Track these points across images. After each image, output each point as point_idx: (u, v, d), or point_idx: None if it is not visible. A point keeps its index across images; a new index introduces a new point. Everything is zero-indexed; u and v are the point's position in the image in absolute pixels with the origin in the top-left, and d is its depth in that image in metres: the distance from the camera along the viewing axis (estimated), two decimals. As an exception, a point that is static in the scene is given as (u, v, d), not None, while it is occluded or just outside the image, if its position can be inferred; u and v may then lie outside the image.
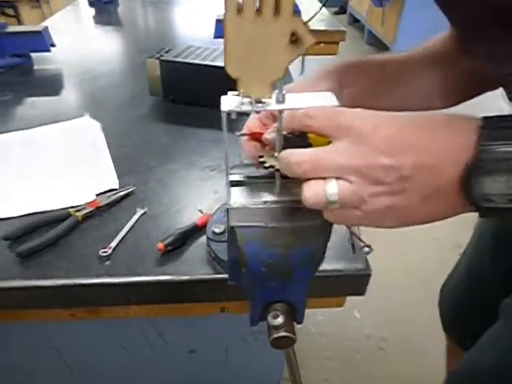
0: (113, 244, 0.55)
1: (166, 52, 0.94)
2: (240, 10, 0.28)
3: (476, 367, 0.59)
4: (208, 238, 0.55)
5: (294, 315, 0.40)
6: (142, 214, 0.61)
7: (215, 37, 1.30)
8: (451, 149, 0.29)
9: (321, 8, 1.32)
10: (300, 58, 1.48)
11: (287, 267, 0.36)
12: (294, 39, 0.30)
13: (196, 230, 0.58)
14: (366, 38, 4.63)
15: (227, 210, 0.37)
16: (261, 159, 0.38)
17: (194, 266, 0.54)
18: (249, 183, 0.40)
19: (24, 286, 0.50)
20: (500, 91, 0.50)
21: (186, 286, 0.52)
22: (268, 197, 0.38)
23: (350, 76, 0.47)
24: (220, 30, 1.28)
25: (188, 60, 0.90)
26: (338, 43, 1.73)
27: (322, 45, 1.67)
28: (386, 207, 0.30)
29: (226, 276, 0.52)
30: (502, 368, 0.55)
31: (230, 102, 0.33)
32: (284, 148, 0.34)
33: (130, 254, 0.55)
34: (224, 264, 0.52)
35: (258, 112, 0.35)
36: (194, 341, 0.71)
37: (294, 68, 1.30)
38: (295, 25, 0.29)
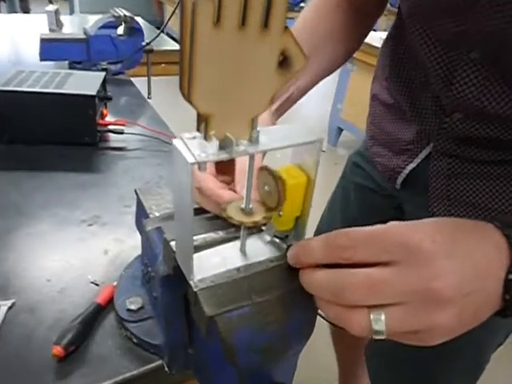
0: (-25, 368, 0.37)
1: (-12, 80, 0.72)
2: (217, 21, 0.20)
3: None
4: (122, 318, 0.42)
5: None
6: (9, 308, 0.43)
7: (42, 59, 1.08)
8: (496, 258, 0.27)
9: (161, 31, 1.26)
10: (146, 80, 1.37)
11: (284, 345, 0.28)
12: (282, 60, 0.22)
13: (99, 311, 0.44)
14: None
15: (195, 293, 0.27)
16: (224, 213, 0.29)
17: (111, 363, 0.40)
18: (204, 245, 0.31)
19: None
20: None
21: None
22: (236, 260, 0.30)
23: None
24: (48, 50, 1.07)
25: (26, 89, 0.70)
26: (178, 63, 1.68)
27: (163, 65, 1.60)
28: (437, 325, 0.25)
29: (162, 362, 0.40)
30: None
31: (193, 149, 0.23)
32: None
33: (11, 377, 0.37)
34: (157, 348, 0.40)
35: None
36: None
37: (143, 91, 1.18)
38: (286, 41, 0.22)
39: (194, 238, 0.31)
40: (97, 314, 0.43)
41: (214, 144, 0.23)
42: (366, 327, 0.24)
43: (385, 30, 2.85)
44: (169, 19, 1.17)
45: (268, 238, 0.32)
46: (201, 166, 0.23)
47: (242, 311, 0.26)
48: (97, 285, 0.48)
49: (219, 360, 0.29)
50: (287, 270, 0.29)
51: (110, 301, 0.45)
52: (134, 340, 0.41)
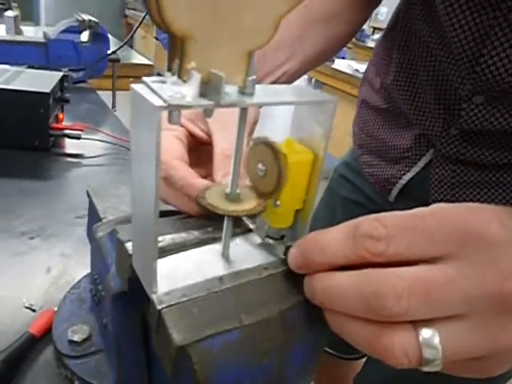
0: None
1: None
2: None
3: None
4: (61, 353, 0.32)
5: None
6: None
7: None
8: None
9: (128, 39, 1.19)
10: (111, 93, 1.29)
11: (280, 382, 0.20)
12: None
13: (32, 345, 0.34)
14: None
15: (158, 312, 0.19)
16: (203, 201, 0.21)
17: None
18: (172, 248, 0.23)
19: None
20: None
21: None
22: (217, 267, 0.22)
23: None
24: (1, 53, 0.97)
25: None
26: (147, 79, 1.62)
27: (130, 79, 1.53)
28: None
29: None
30: None
31: (161, 92, 0.16)
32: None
33: None
34: (105, 394, 0.30)
35: (206, 113, 0.18)
36: None
37: (108, 101, 1.10)
38: None
39: (159, 238, 0.23)
40: (28, 348, 0.34)
41: (193, 85, 0.16)
42: (413, 353, 0.17)
43: (352, 59, 2.92)
44: (134, 30, 1.10)
45: (258, 240, 0.24)
46: (172, 114, 0.15)
47: (228, 338, 0.18)
48: (33, 310, 0.38)
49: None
50: (287, 278, 0.21)
51: (49, 330, 0.35)
52: (76, 382, 0.31)
